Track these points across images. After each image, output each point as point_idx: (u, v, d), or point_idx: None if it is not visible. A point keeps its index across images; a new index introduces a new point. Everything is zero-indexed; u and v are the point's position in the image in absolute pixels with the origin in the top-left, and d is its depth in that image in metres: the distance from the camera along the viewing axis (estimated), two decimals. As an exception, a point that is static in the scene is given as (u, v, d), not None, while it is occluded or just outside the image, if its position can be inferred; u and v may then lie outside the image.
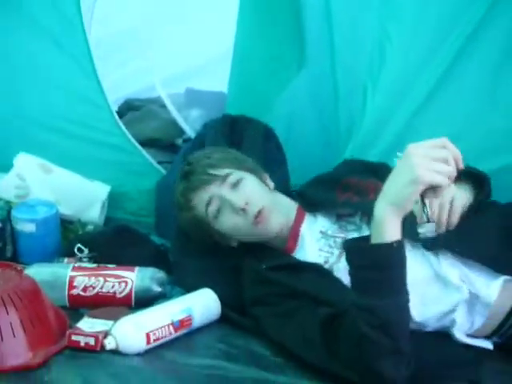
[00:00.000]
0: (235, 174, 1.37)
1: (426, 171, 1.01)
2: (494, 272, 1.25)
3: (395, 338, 1.06)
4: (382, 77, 1.76)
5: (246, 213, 1.32)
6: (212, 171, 1.38)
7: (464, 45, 1.59)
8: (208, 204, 1.36)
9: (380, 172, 1.44)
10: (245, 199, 1.33)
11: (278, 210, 1.38)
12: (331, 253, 1.33)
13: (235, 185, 1.36)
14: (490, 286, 1.24)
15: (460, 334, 1.25)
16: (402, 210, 1.05)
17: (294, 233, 1.39)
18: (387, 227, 1.06)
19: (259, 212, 1.33)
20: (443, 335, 1.27)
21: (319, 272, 1.28)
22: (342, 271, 1.27)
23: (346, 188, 1.42)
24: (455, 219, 1.23)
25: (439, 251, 1.28)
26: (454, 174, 1.04)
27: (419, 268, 1.27)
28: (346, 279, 1.22)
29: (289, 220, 1.40)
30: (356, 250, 1.11)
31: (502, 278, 1.24)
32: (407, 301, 1.09)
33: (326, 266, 1.30)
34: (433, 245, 1.26)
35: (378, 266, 1.06)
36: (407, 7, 1.66)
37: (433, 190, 1.03)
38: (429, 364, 1.17)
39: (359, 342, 1.07)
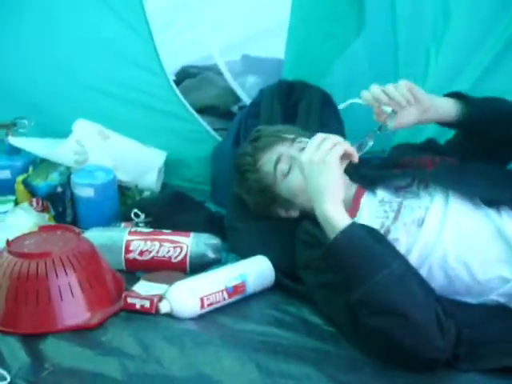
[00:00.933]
0: (302, 139, 1.40)
1: (327, 156, 1.16)
2: None
3: (405, 312, 1.04)
4: (445, 41, 1.69)
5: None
6: (281, 134, 1.43)
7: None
8: (277, 163, 1.38)
9: (429, 148, 1.50)
10: None
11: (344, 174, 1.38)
12: (386, 217, 1.32)
13: (302, 149, 1.36)
14: None
15: None
16: (337, 198, 1.17)
17: (354, 204, 1.38)
18: (334, 221, 1.15)
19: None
20: (508, 310, 1.23)
21: (376, 240, 1.24)
22: (399, 230, 1.27)
23: (404, 167, 1.43)
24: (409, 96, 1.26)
25: (501, 208, 1.26)
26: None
27: (479, 225, 1.25)
28: (402, 238, 1.26)
29: (350, 192, 1.38)
30: (323, 256, 1.17)
31: None
32: (391, 273, 1.07)
33: (382, 230, 1.28)
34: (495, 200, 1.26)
35: (341, 262, 1.13)
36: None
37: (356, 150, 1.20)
38: (491, 339, 1.13)
39: (376, 336, 1.06)
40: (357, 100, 1.30)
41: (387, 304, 1.06)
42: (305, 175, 1.21)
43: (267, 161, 1.41)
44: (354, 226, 1.15)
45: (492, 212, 1.27)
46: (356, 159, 1.21)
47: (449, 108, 1.35)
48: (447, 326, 1.06)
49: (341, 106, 1.30)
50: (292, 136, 1.42)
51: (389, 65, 1.84)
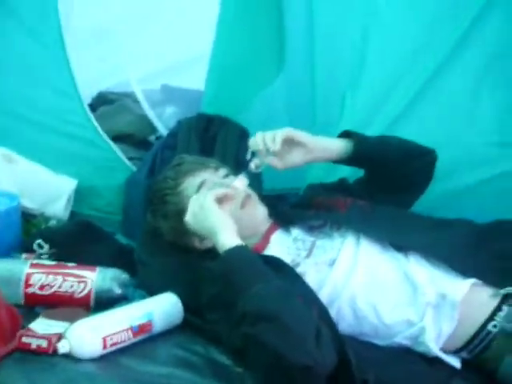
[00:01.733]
0: (224, 169, 1.47)
1: (202, 201, 1.29)
2: (462, 275, 1.26)
3: (277, 316, 1.05)
4: (362, 84, 1.74)
5: (235, 197, 1.36)
6: (204, 162, 1.48)
7: (448, 51, 1.58)
8: (200, 188, 1.40)
9: (340, 188, 1.56)
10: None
11: (262, 205, 1.44)
12: (298, 254, 1.34)
13: (225, 176, 1.44)
14: (457, 285, 1.24)
15: (431, 342, 1.23)
16: (229, 230, 1.24)
17: (265, 238, 1.41)
18: (228, 247, 1.21)
19: (248, 197, 1.40)
20: (412, 353, 1.25)
21: (281, 269, 1.25)
22: (308, 266, 1.31)
23: (317, 207, 1.47)
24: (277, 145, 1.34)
25: (409, 253, 1.30)
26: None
27: (388, 268, 1.29)
28: (311, 274, 1.29)
29: (263, 227, 1.42)
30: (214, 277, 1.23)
31: (470, 281, 1.25)
32: (270, 285, 1.11)
33: (291, 265, 1.30)
34: (403, 245, 1.31)
35: (226, 277, 1.19)
36: (390, 14, 1.65)
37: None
38: (396, 380, 1.15)
39: (256, 348, 1.06)
40: (248, 155, 1.40)
41: (262, 311, 1.07)
42: (197, 230, 1.31)
43: (189, 185, 1.41)
44: (242, 246, 1.21)
45: (400, 256, 1.30)
46: (232, 196, 1.33)
47: (336, 147, 1.43)
48: (325, 341, 1.05)
49: (247, 156, 1.40)
50: (215, 164, 1.47)
51: (306, 105, 1.86)
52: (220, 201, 1.30)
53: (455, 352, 1.25)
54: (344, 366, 1.08)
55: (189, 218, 1.31)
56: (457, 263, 1.27)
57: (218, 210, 1.27)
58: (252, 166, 1.37)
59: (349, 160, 1.45)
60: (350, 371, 1.08)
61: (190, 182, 1.41)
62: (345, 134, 1.46)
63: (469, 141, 1.61)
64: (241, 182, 1.37)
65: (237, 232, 1.24)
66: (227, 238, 1.22)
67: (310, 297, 1.19)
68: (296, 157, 1.39)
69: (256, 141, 1.36)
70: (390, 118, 1.68)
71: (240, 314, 1.09)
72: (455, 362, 1.23)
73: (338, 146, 1.43)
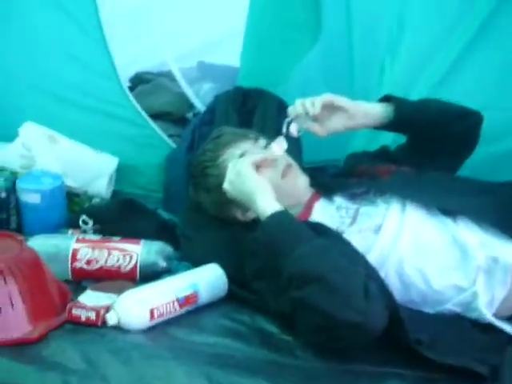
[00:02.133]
0: (264, 139, 1.44)
1: (238, 167, 1.29)
2: None
3: (322, 276, 1.05)
4: (401, 50, 1.70)
5: (276, 166, 1.36)
6: (244, 133, 1.46)
7: (488, 16, 1.53)
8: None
9: (382, 155, 1.53)
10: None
11: (303, 174, 1.42)
12: (342, 222, 1.33)
13: (265, 147, 1.41)
14: (509, 249, 1.21)
15: (483, 308, 1.20)
16: (267, 195, 1.23)
17: (307, 208, 1.39)
18: (267, 211, 1.20)
19: (289, 166, 1.39)
20: (464, 319, 1.22)
21: (325, 233, 1.24)
22: (353, 234, 1.28)
23: (360, 176, 1.45)
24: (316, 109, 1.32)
25: (458, 217, 1.27)
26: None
27: (435, 232, 1.26)
28: (356, 243, 1.25)
29: (305, 197, 1.40)
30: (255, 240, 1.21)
31: None
32: (312, 246, 1.11)
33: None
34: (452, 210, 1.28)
35: (268, 243, 1.17)
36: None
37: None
38: (448, 345, 1.12)
39: (304, 310, 1.06)
40: (288, 119, 1.37)
41: (306, 273, 1.07)
42: (235, 197, 1.30)
43: (230, 156, 1.40)
44: (283, 212, 1.20)
45: (448, 221, 1.27)
46: (272, 163, 1.33)
47: (377, 112, 1.39)
48: (374, 295, 1.04)
49: (283, 130, 1.37)
50: (254, 135, 1.45)
51: (344, 74, 1.83)
52: (258, 167, 1.29)
53: (509, 318, 1.22)
54: (395, 324, 1.06)
55: (226, 185, 1.30)
56: (507, 226, 1.23)
57: (255, 174, 1.27)
58: (291, 129, 1.34)
59: (390, 125, 1.41)
60: (403, 330, 1.06)
61: (230, 154, 1.40)
62: (385, 99, 1.42)
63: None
64: (279, 146, 1.35)
65: (275, 197, 1.23)
66: (266, 203, 1.22)
67: (357, 257, 1.18)
68: (337, 123, 1.37)
69: (295, 107, 1.34)
70: (430, 84, 1.64)
71: (286, 278, 1.09)
72: (509, 329, 1.20)
73: (379, 111, 1.39)
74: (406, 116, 1.39)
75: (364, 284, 1.05)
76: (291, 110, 1.35)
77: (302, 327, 1.11)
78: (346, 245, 1.21)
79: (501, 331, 1.20)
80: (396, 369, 1.07)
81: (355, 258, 1.16)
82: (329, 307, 1.02)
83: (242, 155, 1.38)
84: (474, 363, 1.05)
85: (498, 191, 1.34)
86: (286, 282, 1.09)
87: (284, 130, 1.36)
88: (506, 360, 1.10)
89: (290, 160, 1.41)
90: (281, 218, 1.19)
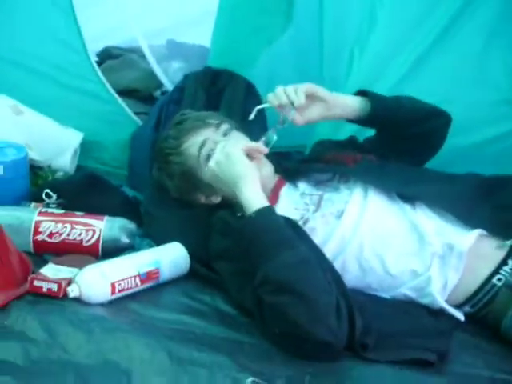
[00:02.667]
0: (226, 124, 1.43)
1: (229, 149, 1.27)
2: (468, 226, 1.27)
3: (302, 291, 1.06)
4: (370, 41, 1.72)
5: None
6: (205, 119, 1.43)
7: (458, 10, 1.56)
8: (202, 146, 1.38)
9: (350, 145, 1.54)
10: None
11: (268, 162, 1.41)
12: (307, 209, 1.34)
13: (226, 133, 1.40)
14: (464, 236, 1.26)
15: (436, 293, 1.24)
16: (254, 182, 1.23)
17: (274, 194, 1.40)
18: (254, 202, 1.20)
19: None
20: (416, 306, 1.26)
21: (293, 230, 1.25)
22: (316, 220, 1.31)
23: (325, 163, 1.46)
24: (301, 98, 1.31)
25: (416, 203, 1.31)
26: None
27: (395, 219, 1.30)
28: (319, 228, 1.29)
29: (271, 183, 1.40)
30: (238, 233, 1.20)
31: (477, 232, 1.26)
32: (295, 255, 1.11)
33: (301, 222, 1.31)
34: (410, 196, 1.32)
35: (252, 239, 1.16)
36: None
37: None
38: (399, 332, 1.17)
39: (275, 315, 1.08)
40: (264, 105, 1.38)
41: (286, 283, 1.08)
42: (220, 178, 1.28)
43: (192, 144, 1.39)
44: (271, 208, 1.20)
45: (407, 207, 1.31)
46: (264, 151, 1.30)
47: (354, 105, 1.40)
48: (344, 315, 1.07)
49: (251, 116, 1.37)
50: (217, 121, 1.43)
51: (313, 61, 1.85)
52: (249, 155, 1.28)
53: (459, 306, 1.26)
54: (349, 326, 1.09)
55: (212, 164, 1.28)
56: (463, 214, 1.28)
57: (247, 160, 1.26)
58: (281, 122, 1.33)
59: (364, 119, 1.42)
60: (353, 334, 1.09)
61: (191, 141, 1.39)
62: (361, 93, 1.43)
63: (478, 99, 1.60)
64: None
65: (260, 186, 1.23)
66: (252, 193, 1.22)
67: (322, 263, 1.19)
68: (314, 112, 1.37)
69: (277, 95, 1.32)
70: (398, 75, 1.66)
71: (260, 279, 1.09)
72: (459, 315, 1.25)
73: (356, 105, 1.40)
74: (382, 113, 1.41)
75: (337, 302, 1.07)
76: (271, 98, 1.33)
77: (266, 325, 1.11)
78: (313, 248, 1.22)
79: (451, 317, 1.24)
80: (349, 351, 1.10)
81: (324, 265, 1.17)
82: (302, 321, 1.04)
83: (203, 142, 1.38)
84: (422, 352, 1.10)
85: (456, 180, 1.38)
86: (258, 282, 1.10)
87: (252, 116, 1.35)
88: (452, 344, 1.15)
89: None
90: (267, 216, 1.18)
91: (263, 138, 1.33)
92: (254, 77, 1.84)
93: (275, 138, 1.33)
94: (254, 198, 1.21)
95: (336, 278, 1.17)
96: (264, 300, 1.09)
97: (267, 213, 1.19)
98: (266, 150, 1.32)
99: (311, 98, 1.35)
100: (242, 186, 1.23)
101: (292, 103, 1.31)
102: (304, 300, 1.06)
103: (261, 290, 1.10)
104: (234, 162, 1.26)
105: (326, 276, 1.12)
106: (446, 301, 1.25)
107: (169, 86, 2.07)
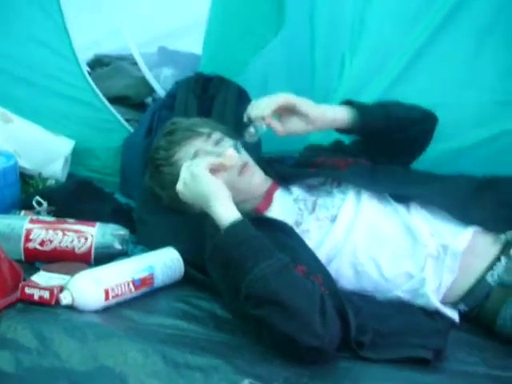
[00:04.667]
0: (218, 133, 1.42)
1: (193, 169, 1.22)
2: (463, 224, 1.27)
3: (282, 300, 1.05)
4: (362, 45, 1.73)
5: (229, 168, 1.31)
6: (196, 128, 1.42)
7: (449, 12, 1.57)
8: (193, 158, 1.36)
9: (337, 149, 1.54)
10: None
11: (259, 170, 1.40)
12: (301, 214, 1.34)
13: (218, 142, 1.40)
14: (459, 236, 1.25)
15: (431, 294, 1.24)
16: (222, 198, 1.19)
17: (267, 197, 1.39)
18: (222, 219, 1.16)
19: (245, 164, 1.36)
20: (412, 305, 1.26)
21: (285, 232, 1.26)
22: (310, 222, 1.31)
23: (317, 167, 1.45)
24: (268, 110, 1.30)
25: (410, 204, 1.31)
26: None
27: (389, 221, 1.29)
28: (314, 231, 1.29)
29: (264, 186, 1.40)
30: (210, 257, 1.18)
31: (472, 229, 1.26)
32: (270, 265, 1.08)
33: (294, 225, 1.30)
34: (404, 196, 1.31)
35: (225, 259, 1.13)
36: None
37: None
38: (395, 331, 1.16)
39: (262, 327, 1.07)
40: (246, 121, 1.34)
41: (266, 294, 1.07)
42: (188, 198, 1.24)
43: (183, 155, 1.38)
44: (241, 222, 1.16)
45: (401, 208, 1.31)
46: (227, 166, 1.24)
47: (339, 117, 1.39)
48: (330, 317, 1.06)
49: (244, 119, 1.34)
50: (207, 130, 1.42)
51: (305, 65, 1.85)
52: (214, 170, 1.23)
53: (454, 305, 1.26)
54: (344, 326, 1.08)
55: (180, 187, 1.25)
56: (458, 211, 1.28)
57: (211, 178, 1.21)
58: (246, 135, 1.31)
59: (350, 130, 1.41)
60: (348, 333, 1.09)
61: (183, 152, 1.39)
62: (346, 103, 1.42)
63: (469, 100, 1.61)
64: (234, 153, 1.28)
65: (231, 200, 1.20)
66: (222, 208, 1.18)
67: (314, 264, 1.19)
68: (296, 125, 1.35)
69: (250, 110, 1.32)
70: (390, 78, 1.67)
71: (243, 294, 1.08)
72: (454, 315, 1.25)
73: (340, 117, 1.39)
74: (369, 125, 1.40)
75: (320, 306, 1.06)
76: (248, 110, 1.32)
77: (259, 335, 1.10)
78: (305, 249, 1.22)
79: (445, 318, 1.24)
80: (345, 352, 1.10)
81: (314, 267, 1.17)
82: (288, 330, 1.03)
83: (195, 153, 1.37)
84: (418, 350, 1.09)
85: (448, 180, 1.38)
86: (243, 299, 1.09)
87: (245, 118, 1.33)
88: (448, 343, 1.15)
89: (246, 157, 1.39)
90: (238, 230, 1.15)
91: (228, 150, 1.28)
92: (246, 82, 1.84)
93: (241, 151, 1.32)
94: (223, 215, 1.17)
95: (324, 275, 1.16)
96: (250, 315, 1.08)
97: (238, 227, 1.15)
98: (231, 165, 1.25)
99: (292, 110, 1.33)
100: (211, 204, 1.19)
101: (262, 117, 1.29)
102: (285, 310, 1.05)
103: (245, 305, 1.09)
104: (200, 181, 1.21)
105: (310, 273, 1.12)
106: (441, 301, 1.25)
107: (160, 92, 2.06)
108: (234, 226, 1.15)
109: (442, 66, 1.63)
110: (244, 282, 1.08)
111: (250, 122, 1.31)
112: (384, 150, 1.45)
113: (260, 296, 1.07)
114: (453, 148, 1.61)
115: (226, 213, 1.17)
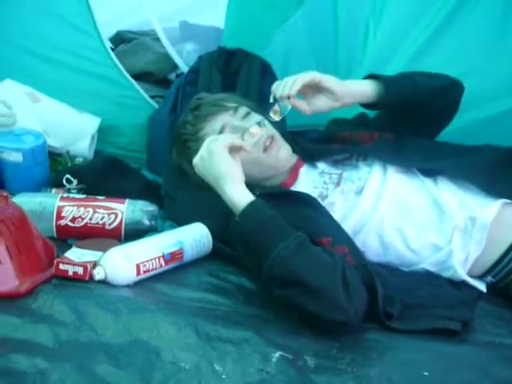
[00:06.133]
0: (244, 107, 1.41)
1: (211, 146, 1.20)
2: (491, 196, 1.26)
3: (303, 280, 1.06)
4: (386, 13, 1.70)
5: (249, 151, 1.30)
6: (223, 103, 1.42)
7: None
8: (220, 132, 1.36)
9: (362, 122, 1.53)
10: None
11: (285, 144, 1.40)
12: (326, 188, 1.34)
13: (245, 116, 1.39)
14: (487, 208, 1.25)
15: (458, 266, 1.24)
16: (235, 180, 1.18)
17: (293, 173, 1.40)
18: (235, 203, 1.16)
19: (270, 138, 1.35)
20: (439, 277, 1.26)
21: (310, 205, 1.26)
22: (336, 195, 1.31)
23: (342, 142, 1.45)
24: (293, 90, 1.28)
25: (438, 177, 1.30)
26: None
27: (416, 194, 1.29)
28: (339, 203, 1.29)
29: (290, 162, 1.40)
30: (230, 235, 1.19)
31: (500, 201, 1.25)
32: (290, 245, 1.09)
33: (320, 198, 1.31)
34: (431, 170, 1.30)
35: (244, 243, 1.15)
36: None
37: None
38: (423, 302, 1.17)
39: (287, 304, 1.09)
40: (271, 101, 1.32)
41: (287, 276, 1.08)
42: (202, 174, 1.24)
43: (210, 130, 1.39)
44: (255, 204, 1.16)
45: (428, 181, 1.30)
46: (247, 150, 1.22)
47: (365, 91, 1.37)
48: (355, 289, 1.06)
49: (271, 99, 1.32)
50: (234, 104, 1.41)
51: (328, 37, 1.83)
52: (234, 149, 1.22)
53: (481, 277, 1.26)
54: (371, 297, 1.09)
55: (196, 159, 1.24)
56: (486, 184, 1.27)
57: (227, 157, 1.20)
58: (271, 114, 1.30)
59: (375, 104, 1.40)
60: (376, 303, 1.10)
61: (210, 127, 1.39)
62: (370, 76, 1.40)
63: (497, 69, 1.58)
64: (258, 130, 1.29)
65: (243, 183, 1.20)
66: (232, 190, 1.18)
67: (339, 235, 1.20)
68: (322, 102, 1.34)
69: (275, 88, 1.30)
70: (415, 47, 1.65)
71: (266, 276, 1.10)
72: (481, 286, 1.25)
73: (367, 90, 1.37)
74: (395, 97, 1.37)
75: (343, 279, 1.06)
76: (274, 89, 1.31)
77: (288, 309, 1.12)
78: (330, 222, 1.22)
79: (472, 288, 1.25)
80: (373, 323, 1.11)
81: (339, 238, 1.18)
82: (313, 308, 1.05)
83: (222, 128, 1.37)
84: (446, 321, 1.10)
85: (475, 152, 1.37)
86: (267, 280, 1.10)
87: (271, 99, 1.31)
88: (475, 314, 1.16)
89: (272, 130, 1.38)
90: (252, 214, 1.15)
91: (252, 127, 1.29)
92: (269, 55, 1.83)
93: (263, 129, 1.29)
94: (235, 198, 1.17)
95: (350, 246, 1.17)
96: (276, 294, 1.10)
97: (252, 210, 1.15)
98: (248, 149, 1.23)
99: (317, 88, 1.32)
100: (221, 183, 1.19)
101: (288, 96, 1.28)
102: (308, 289, 1.06)
103: (269, 286, 1.11)
104: (214, 159, 1.20)
105: (335, 249, 1.12)
106: (468, 273, 1.25)
107: (183, 68, 2.06)
108: (248, 209, 1.15)
109: (469, 33, 1.61)
110: (264, 265, 1.09)
111: (275, 101, 1.30)
112: (410, 122, 1.43)
113: (282, 278, 1.08)
114: (478, 118, 1.59)
115: (236, 196, 1.18)
